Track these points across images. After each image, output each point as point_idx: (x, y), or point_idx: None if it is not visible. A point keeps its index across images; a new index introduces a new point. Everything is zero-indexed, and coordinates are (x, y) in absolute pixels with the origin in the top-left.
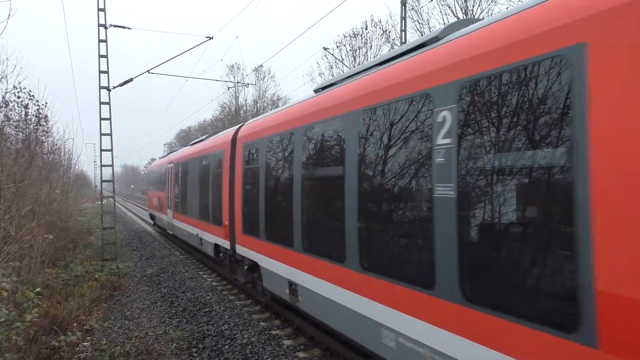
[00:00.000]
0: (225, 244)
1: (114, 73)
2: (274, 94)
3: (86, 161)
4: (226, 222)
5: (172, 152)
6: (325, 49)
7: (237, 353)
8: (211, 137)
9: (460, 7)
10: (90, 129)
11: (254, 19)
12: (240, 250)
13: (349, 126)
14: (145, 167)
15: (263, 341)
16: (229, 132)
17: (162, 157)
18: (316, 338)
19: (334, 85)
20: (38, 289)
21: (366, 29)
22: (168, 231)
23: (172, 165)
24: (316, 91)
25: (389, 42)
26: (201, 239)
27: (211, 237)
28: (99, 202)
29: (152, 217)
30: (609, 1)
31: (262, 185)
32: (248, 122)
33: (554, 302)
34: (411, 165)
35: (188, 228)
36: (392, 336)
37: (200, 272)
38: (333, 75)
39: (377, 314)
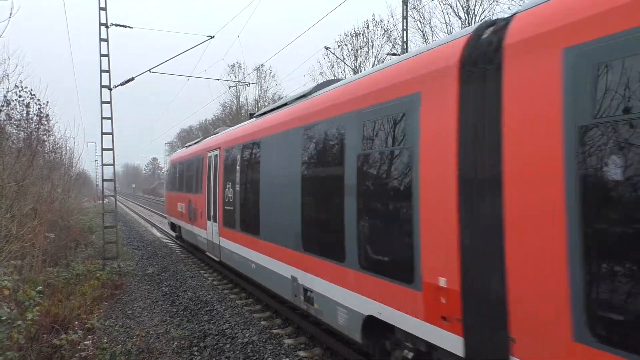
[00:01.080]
0: (435, 335)
1: (115, 72)
2: (275, 94)
3: (87, 160)
4: (452, 284)
5: (214, 133)
6: (326, 48)
7: (238, 352)
8: (331, 88)
9: (462, 6)
10: (91, 128)
11: (255, 18)
12: None
13: None
14: (147, 166)
15: (264, 340)
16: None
17: (192, 143)
18: (317, 337)
19: None
20: (39, 288)
21: (367, 28)
22: (209, 254)
23: (216, 153)
24: None
25: (390, 41)
26: (307, 291)
27: (357, 300)
28: (100, 201)
29: (173, 226)
30: None
31: None
32: None
33: None
34: None
35: (261, 260)
36: None
37: (201, 271)
38: (334, 75)
39: None
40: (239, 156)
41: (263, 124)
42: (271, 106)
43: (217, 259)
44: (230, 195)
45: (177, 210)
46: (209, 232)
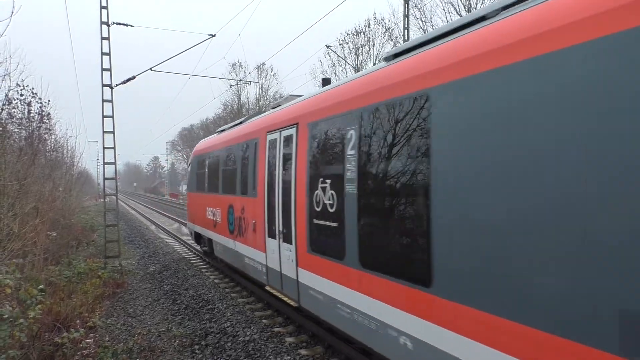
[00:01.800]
0: None
1: (116, 71)
2: (276, 92)
3: (89, 159)
4: None
5: (275, 106)
6: (327, 46)
7: (239, 350)
8: None
9: (463, 4)
10: (92, 127)
11: (256, 17)
12: None
13: None
14: (148, 165)
15: (265, 338)
16: None
17: (230, 126)
18: (318, 335)
19: None
20: (41, 286)
21: (369, 26)
22: (274, 291)
23: (288, 132)
24: None
25: (391, 40)
26: None
27: None
28: (102, 200)
29: (198, 238)
30: None
31: None
32: None
33: None
34: None
35: (445, 342)
36: None
37: (202, 270)
38: (335, 74)
39: None
40: (353, 132)
41: (427, 63)
42: (428, 35)
43: (293, 303)
44: (329, 201)
45: (206, 218)
46: (271, 257)
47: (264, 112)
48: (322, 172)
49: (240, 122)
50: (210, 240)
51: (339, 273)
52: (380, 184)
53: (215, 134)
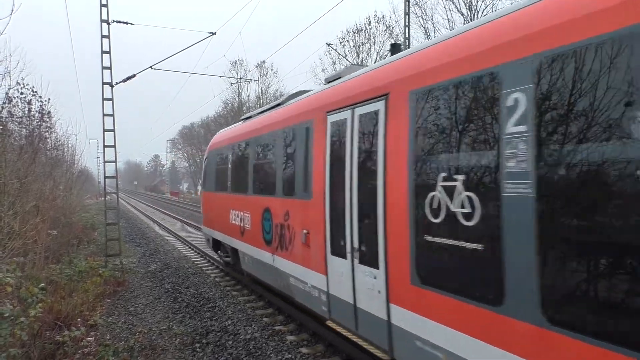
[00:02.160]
0: None
1: (116, 69)
2: (276, 90)
3: (89, 157)
4: None
5: (332, 79)
6: (328, 44)
7: (240, 348)
8: None
9: (464, 2)
10: (93, 125)
11: (256, 15)
12: None
13: None
14: (148, 163)
15: (266, 337)
16: None
17: (260, 111)
18: (319, 334)
19: None
20: (42, 285)
21: (369, 24)
22: (340, 328)
23: (373, 107)
24: None
25: (392, 37)
26: None
27: None
28: (103, 199)
29: (217, 245)
30: None
31: None
32: None
33: None
34: None
35: None
36: None
37: (203, 268)
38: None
39: None
40: (521, 96)
41: None
42: None
43: (382, 355)
44: (460, 209)
45: (229, 224)
46: (337, 281)
47: (309, 90)
48: (445, 164)
49: (279, 104)
50: (235, 251)
51: (491, 325)
52: (604, 180)
53: (240, 122)
